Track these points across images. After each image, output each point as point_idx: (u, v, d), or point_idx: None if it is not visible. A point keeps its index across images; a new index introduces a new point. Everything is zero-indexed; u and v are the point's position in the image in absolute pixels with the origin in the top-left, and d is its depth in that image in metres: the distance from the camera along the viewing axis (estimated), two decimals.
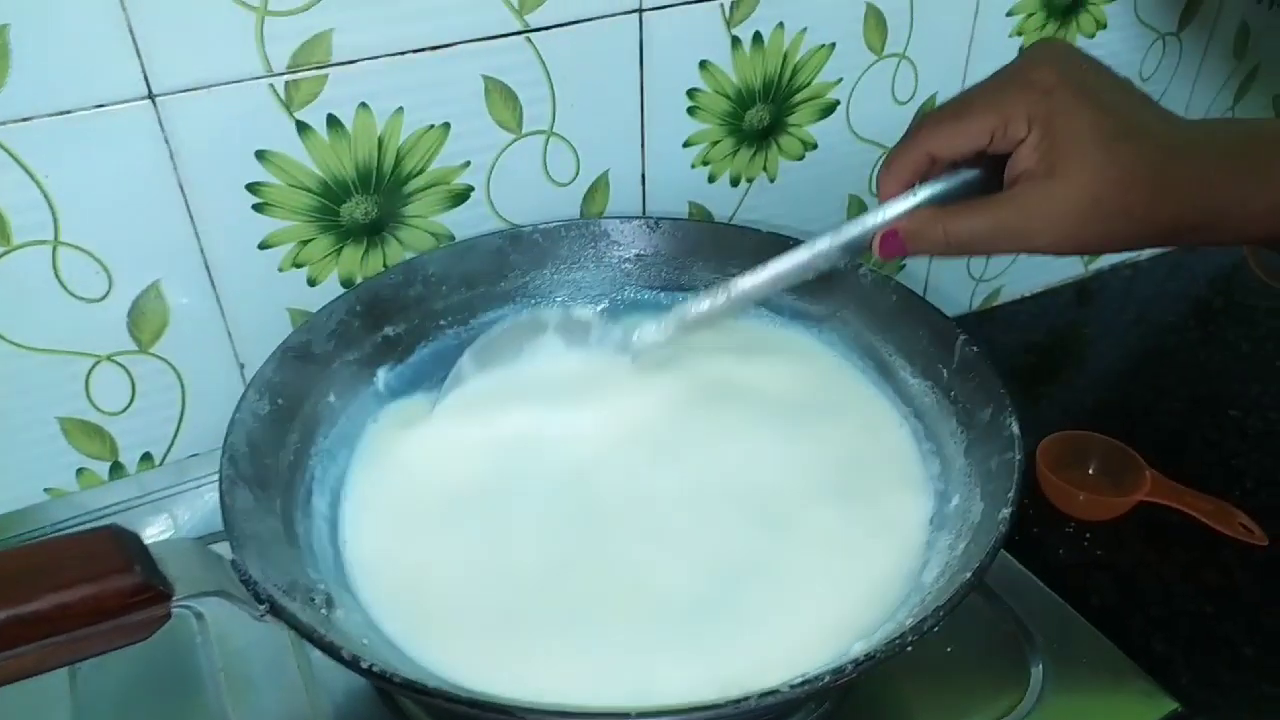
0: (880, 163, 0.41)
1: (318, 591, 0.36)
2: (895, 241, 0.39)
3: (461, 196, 0.59)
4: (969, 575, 0.33)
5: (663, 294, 0.55)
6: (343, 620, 0.36)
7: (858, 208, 0.74)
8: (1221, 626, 0.57)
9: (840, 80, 0.68)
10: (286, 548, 0.38)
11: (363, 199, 0.56)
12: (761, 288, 0.45)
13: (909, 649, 0.31)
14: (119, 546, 0.29)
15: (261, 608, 0.32)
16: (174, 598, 0.29)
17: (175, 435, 0.59)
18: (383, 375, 0.51)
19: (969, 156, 0.39)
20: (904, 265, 0.80)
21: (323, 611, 0.35)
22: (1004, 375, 0.76)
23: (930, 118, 0.39)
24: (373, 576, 0.42)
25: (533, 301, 0.55)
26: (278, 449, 0.41)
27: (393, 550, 0.43)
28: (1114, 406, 0.75)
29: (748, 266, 0.55)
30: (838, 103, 0.68)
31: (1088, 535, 0.63)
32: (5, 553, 0.30)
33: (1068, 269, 0.88)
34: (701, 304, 0.47)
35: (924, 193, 0.40)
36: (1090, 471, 0.66)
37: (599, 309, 0.54)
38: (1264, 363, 0.78)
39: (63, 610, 0.27)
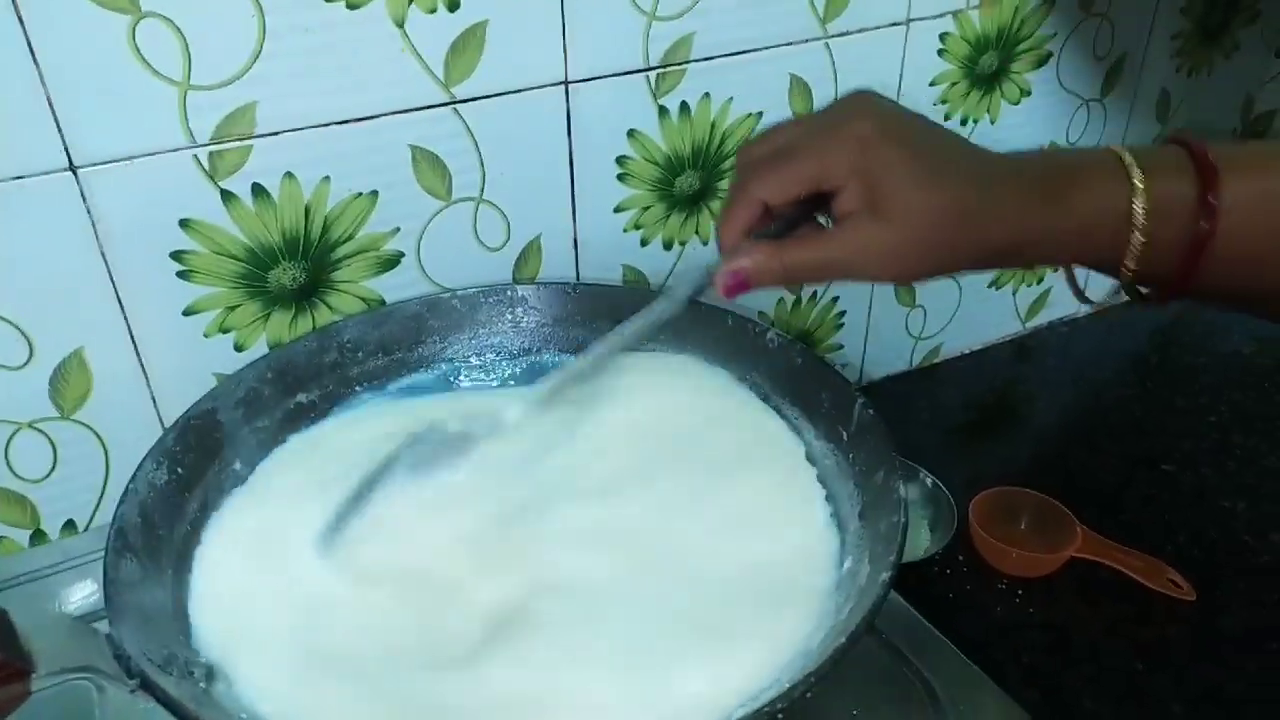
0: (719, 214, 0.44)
1: (198, 664, 0.36)
2: (738, 281, 0.42)
3: (392, 262, 0.60)
4: (843, 640, 0.34)
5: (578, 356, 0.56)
6: (224, 694, 0.36)
7: None
8: (1151, 683, 0.57)
9: None
10: (171, 620, 0.37)
11: (290, 265, 0.57)
12: (622, 344, 0.46)
13: (779, 716, 0.31)
14: None
15: (132, 682, 0.32)
16: (34, 675, 0.29)
17: (99, 503, 0.59)
18: (293, 441, 0.51)
19: (796, 200, 0.41)
20: (843, 324, 0.81)
21: (201, 685, 0.35)
22: (945, 430, 0.78)
23: (757, 166, 0.41)
24: (240, 647, 0.41)
25: (451, 365, 0.55)
26: (173, 519, 0.41)
27: (263, 625, 0.42)
28: (1051, 462, 0.76)
29: (662, 332, 0.56)
30: None
31: (1020, 591, 0.63)
32: None
33: (1006, 326, 0.90)
34: (566, 373, 0.47)
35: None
36: (1022, 527, 0.67)
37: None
38: (1198, 419, 0.79)
39: None
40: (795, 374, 0.48)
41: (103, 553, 0.55)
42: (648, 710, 0.39)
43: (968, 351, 0.88)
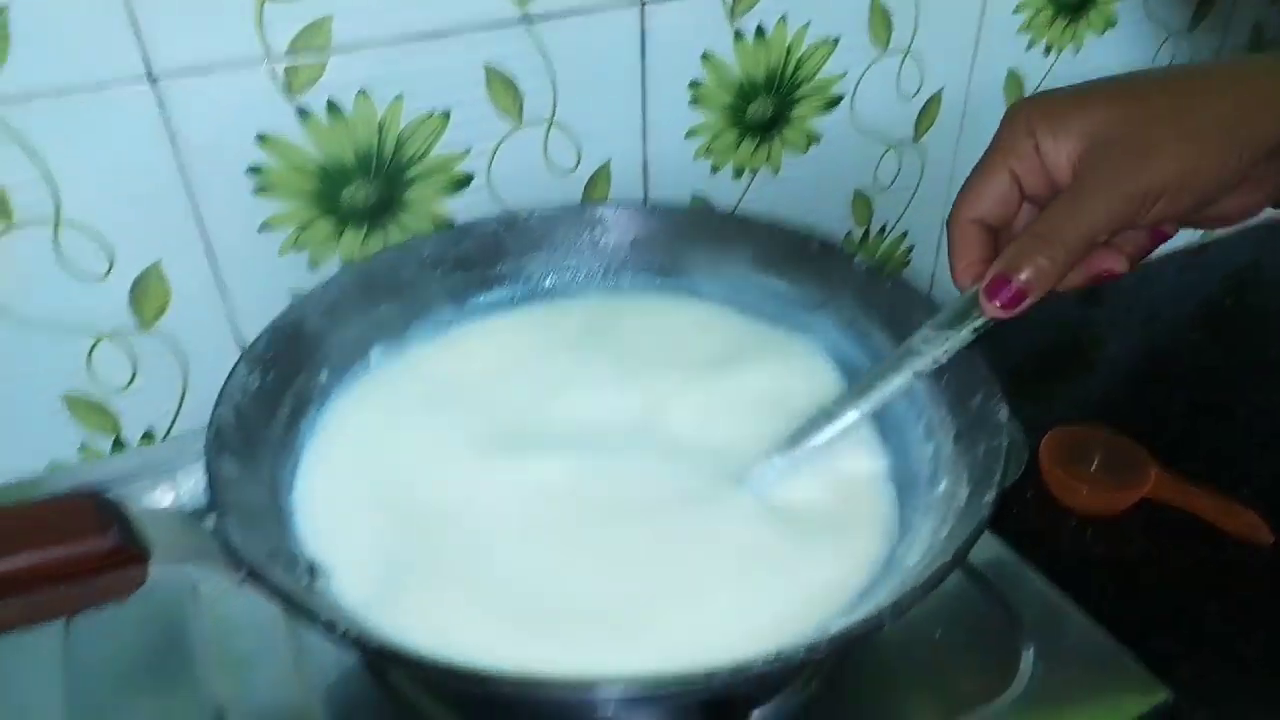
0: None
1: (300, 561, 0.37)
2: (1004, 284, 0.39)
3: (463, 183, 0.60)
4: (949, 558, 0.33)
5: (658, 278, 0.55)
6: (325, 590, 0.36)
7: (862, 202, 0.74)
8: (1223, 625, 0.57)
9: (845, 74, 0.67)
10: (271, 518, 0.38)
11: (363, 183, 0.57)
12: (869, 408, 0.45)
13: (884, 628, 0.31)
14: (98, 510, 0.30)
15: (240, 573, 0.32)
16: (151, 560, 0.30)
17: (177, 414, 0.60)
18: (375, 353, 0.51)
19: (1015, 204, 0.41)
20: (910, 260, 0.79)
21: (304, 581, 0.36)
22: (1011, 371, 0.77)
23: (956, 199, 0.41)
24: (343, 548, 0.41)
25: (528, 283, 0.55)
26: (267, 421, 0.42)
27: (363, 522, 0.43)
28: (1121, 403, 0.75)
29: (743, 255, 0.55)
30: (842, 96, 0.68)
31: (1090, 530, 0.62)
32: None
33: None
34: (817, 435, 0.45)
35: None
36: (1094, 466, 0.66)
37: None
38: (1273, 362, 0.77)
39: (37, 570, 0.28)
40: (884, 298, 0.47)
41: (183, 461, 0.56)
42: (744, 618, 0.39)
43: None
